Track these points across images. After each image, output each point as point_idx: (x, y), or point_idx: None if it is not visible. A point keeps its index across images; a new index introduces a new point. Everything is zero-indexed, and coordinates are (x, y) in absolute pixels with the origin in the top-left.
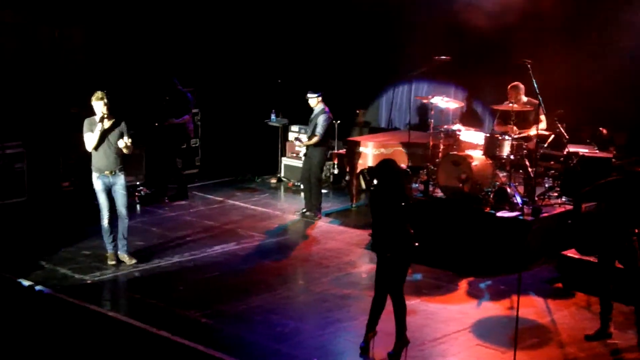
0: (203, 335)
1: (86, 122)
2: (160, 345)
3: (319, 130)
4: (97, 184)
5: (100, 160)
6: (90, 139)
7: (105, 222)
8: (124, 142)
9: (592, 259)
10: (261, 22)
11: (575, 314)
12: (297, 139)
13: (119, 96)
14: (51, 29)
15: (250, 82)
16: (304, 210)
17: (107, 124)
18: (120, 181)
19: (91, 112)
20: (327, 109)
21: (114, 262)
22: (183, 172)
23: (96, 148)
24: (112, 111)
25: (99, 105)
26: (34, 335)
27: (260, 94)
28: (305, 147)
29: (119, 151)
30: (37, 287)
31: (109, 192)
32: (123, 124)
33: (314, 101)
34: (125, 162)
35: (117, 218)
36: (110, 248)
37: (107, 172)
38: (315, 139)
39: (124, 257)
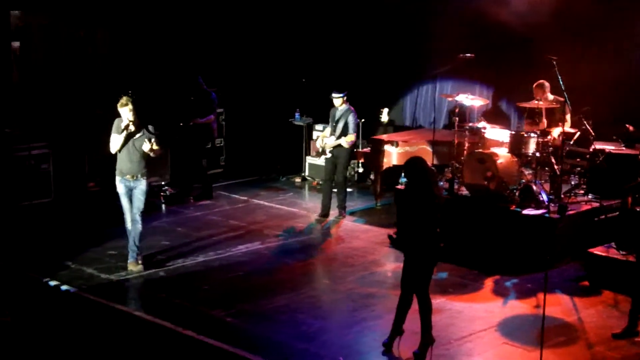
0: (228, 335)
1: (116, 122)
2: (186, 344)
3: (353, 129)
4: (120, 187)
5: (123, 163)
6: (115, 142)
7: (128, 225)
8: (149, 146)
9: (619, 256)
10: (285, 21)
11: (602, 312)
12: (320, 138)
13: (144, 96)
14: (76, 30)
15: (275, 82)
16: (323, 214)
17: (132, 129)
18: (140, 186)
19: (117, 113)
20: (352, 108)
21: (138, 269)
22: (208, 172)
23: (120, 151)
24: (139, 115)
25: (124, 112)
26: (61, 335)
27: (284, 93)
28: (331, 147)
29: (144, 155)
30: (63, 287)
31: (130, 195)
32: (150, 129)
33: (339, 101)
34: (150, 163)
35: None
36: (131, 251)
37: (128, 176)
38: (352, 138)
39: (131, 263)
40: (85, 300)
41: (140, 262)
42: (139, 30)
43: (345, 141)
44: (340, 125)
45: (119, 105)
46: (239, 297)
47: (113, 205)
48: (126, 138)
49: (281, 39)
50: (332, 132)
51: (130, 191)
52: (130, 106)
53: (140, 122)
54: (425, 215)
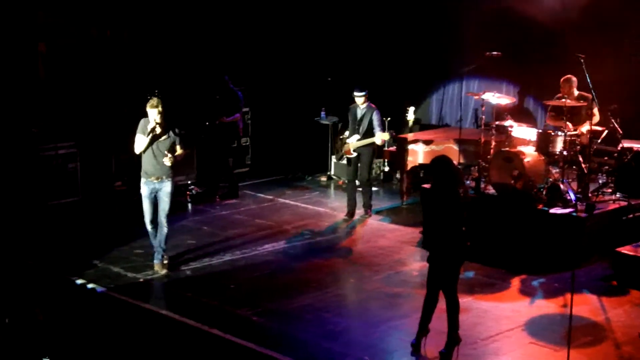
0: (254, 334)
1: (142, 122)
2: (212, 343)
3: (380, 126)
4: (143, 189)
5: (148, 165)
6: (139, 142)
7: (148, 227)
8: (168, 159)
9: None
10: (311, 19)
11: (630, 312)
12: (343, 139)
13: (170, 95)
14: (103, 30)
15: (301, 81)
16: (349, 214)
17: (158, 131)
18: (165, 188)
19: (143, 112)
20: (374, 106)
21: (164, 273)
22: (234, 171)
23: (144, 152)
24: (166, 117)
25: (153, 113)
26: (89, 333)
27: (310, 92)
28: (357, 147)
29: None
30: (90, 286)
31: (155, 198)
32: (175, 131)
33: (362, 99)
34: (176, 163)
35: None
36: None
37: (153, 178)
38: (387, 136)
39: (157, 265)
40: (112, 299)
41: (165, 263)
42: (165, 30)
43: (381, 139)
44: (365, 124)
45: (148, 106)
46: (265, 296)
47: (140, 205)
48: (151, 140)
49: (307, 37)
50: (354, 132)
51: (155, 193)
52: (159, 108)
53: (166, 124)
54: (451, 214)
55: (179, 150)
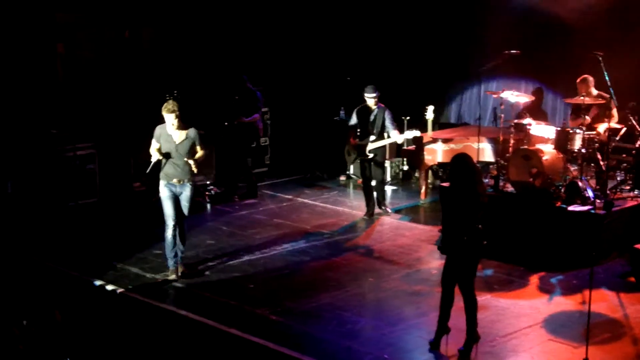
0: (273, 333)
1: (157, 129)
2: (231, 342)
3: (394, 125)
4: (163, 191)
5: (169, 167)
6: (153, 149)
7: (169, 233)
8: (193, 165)
9: None
10: (330, 19)
11: None
12: (371, 141)
13: (189, 96)
14: (121, 30)
15: (320, 80)
16: (368, 214)
17: (177, 137)
18: (186, 192)
19: (161, 113)
20: (383, 105)
21: (174, 277)
22: (253, 171)
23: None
24: (184, 119)
25: (169, 118)
26: (107, 333)
27: (329, 92)
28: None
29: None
30: (109, 287)
31: (176, 200)
32: (194, 134)
33: (373, 101)
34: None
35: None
36: (171, 263)
37: (175, 181)
38: (417, 133)
39: (179, 266)
40: (131, 300)
41: (181, 269)
42: (184, 30)
43: (404, 138)
44: (379, 124)
45: (164, 110)
46: (284, 296)
47: (158, 205)
48: (154, 165)
49: (326, 37)
50: (368, 133)
51: (176, 196)
52: (177, 113)
53: (185, 125)
54: (469, 213)
55: (199, 152)
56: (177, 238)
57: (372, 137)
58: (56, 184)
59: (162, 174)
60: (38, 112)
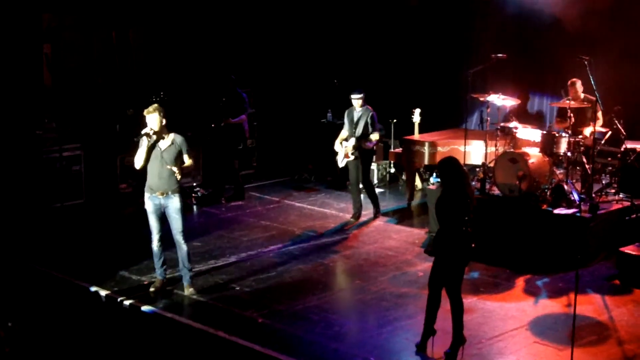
0: (260, 335)
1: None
2: (218, 345)
3: (378, 126)
4: (148, 205)
5: (152, 179)
6: (138, 156)
7: (154, 245)
8: (175, 170)
9: None
10: (317, 22)
11: (634, 311)
12: (338, 143)
13: (176, 97)
14: (108, 31)
15: (307, 83)
16: (355, 216)
17: (152, 136)
18: (173, 204)
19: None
20: (371, 108)
21: (154, 290)
22: (240, 173)
23: (146, 166)
24: (170, 126)
25: (150, 120)
26: (93, 335)
27: (316, 94)
28: (353, 149)
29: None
30: (92, 288)
31: (161, 214)
32: (181, 141)
33: (359, 102)
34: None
35: (175, 244)
36: (158, 274)
37: (158, 193)
38: (376, 136)
39: (185, 286)
40: (116, 302)
41: (189, 290)
42: (171, 31)
43: (372, 138)
44: (361, 125)
45: (145, 112)
46: (271, 298)
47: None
48: (149, 149)
49: (313, 40)
50: (352, 134)
51: (161, 209)
52: (156, 114)
53: (169, 131)
54: (458, 216)
55: (187, 161)
56: (178, 256)
57: (353, 139)
58: (42, 186)
59: (146, 186)
60: (24, 113)
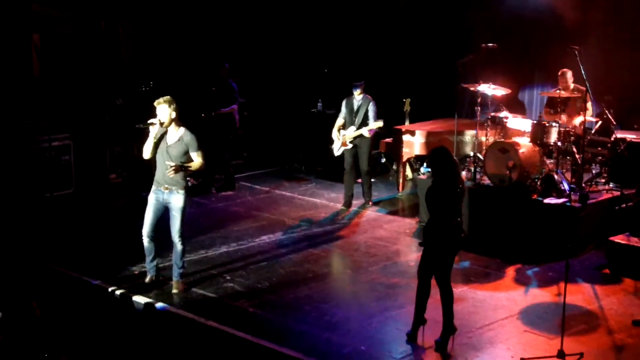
0: (251, 325)
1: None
2: (209, 335)
3: (374, 117)
4: (150, 197)
5: (158, 172)
6: (146, 146)
7: (144, 240)
8: (172, 168)
9: (639, 244)
10: (307, 11)
11: (623, 300)
12: (335, 131)
13: (166, 87)
14: (97, 21)
15: (297, 72)
16: (346, 205)
17: (155, 130)
18: (176, 202)
19: (137, 104)
20: (370, 97)
21: (147, 281)
22: (230, 163)
23: (153, 157)
24: (182, 121)
25: (160, 110)
26: (84, 326)
27: (306, 84)
28: (352, 137)
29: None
30: (84, 278)
31: (161, 209)
32: (190, 139)
33: (358, 90)
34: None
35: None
36: (149, 269)
37: (163, 188)
38: (376, 126)
39: (174, 282)
40: (105, 292)
41: (182, 281)
42: (159, 22)
43: (367, 130)
44: (361, 114)
45: (155, 103)
46: (262, 288)
47: (134, 197)
48: (156, 141)
49: (303, 29)
50: (351, 123)
51: (163, 205)
52: (166, 106)
53: (180, 126)
54: (449, 206)
55: (195, 160)
56: (173, 254)
57: (353, 128)
58: (31, 175)
59: (154, 179)
60: (13, 103)
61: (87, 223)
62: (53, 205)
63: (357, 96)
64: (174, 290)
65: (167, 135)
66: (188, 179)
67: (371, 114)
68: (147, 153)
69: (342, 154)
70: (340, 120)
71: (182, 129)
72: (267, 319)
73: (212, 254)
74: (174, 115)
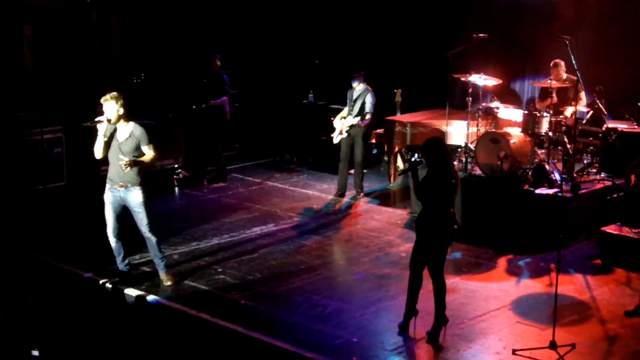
0: (243, 317)
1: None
2: (201, 327)
3: (370, 108)
4: (107, 196)
5: (112, 169)
6: (96, 146)
7: (111, 241)
8: (125, 163)
9: (631, 234)
10: (297, 2)
11: (615, 290)
12: (338, 119)
13: (157, 79)
14: (89, 13)
15: (288, 63)
16: (339, 194)
17: (104, 128)
18: (135, 198)
19: (129, 97)
20: (370, 88)
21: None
22: (222, 154)
23: (106, 156)
24: (131, 115)
25: (106, 107)
26: (75, 318)
27: (298, 75)
28: (348, 127)
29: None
30: (76, 271)
31: (119, 207)
32: (140, 133)
33: (357, 81)
34: (163, 145)
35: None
36: (120, 268)
37: (117, 185)
38: (369, 117)
39: (162, 276)
40: (96, 283)
41: (169, 279)
42: (151, 13)
43: (359, 120)
44: (358, 104)
45: (102, 100)
46: (254, 279)
47: None
48: (107, 139)
49: (294, 20)
50: (350, 113)
51: (120, 203)
52: (113, 102)
53: (129, 121)
54: (442, 196)
55: (147, 153)
56: (149, 249)
57: (350, 118)
58: (23, 168)
59: (107, 177)
60: (5, 95)
61: (79, 216)
62: (45, 197)
63: (357, 87)
64: (167, 283)
65: (117, 133)
66: (179, 171)
67: (367, 106)
68: (98, 152)
69: (340, 143)
70: (345, 110)
71: (132, 124)
72: (259, 311)
73: (203, 246)
74: (121, 111)
